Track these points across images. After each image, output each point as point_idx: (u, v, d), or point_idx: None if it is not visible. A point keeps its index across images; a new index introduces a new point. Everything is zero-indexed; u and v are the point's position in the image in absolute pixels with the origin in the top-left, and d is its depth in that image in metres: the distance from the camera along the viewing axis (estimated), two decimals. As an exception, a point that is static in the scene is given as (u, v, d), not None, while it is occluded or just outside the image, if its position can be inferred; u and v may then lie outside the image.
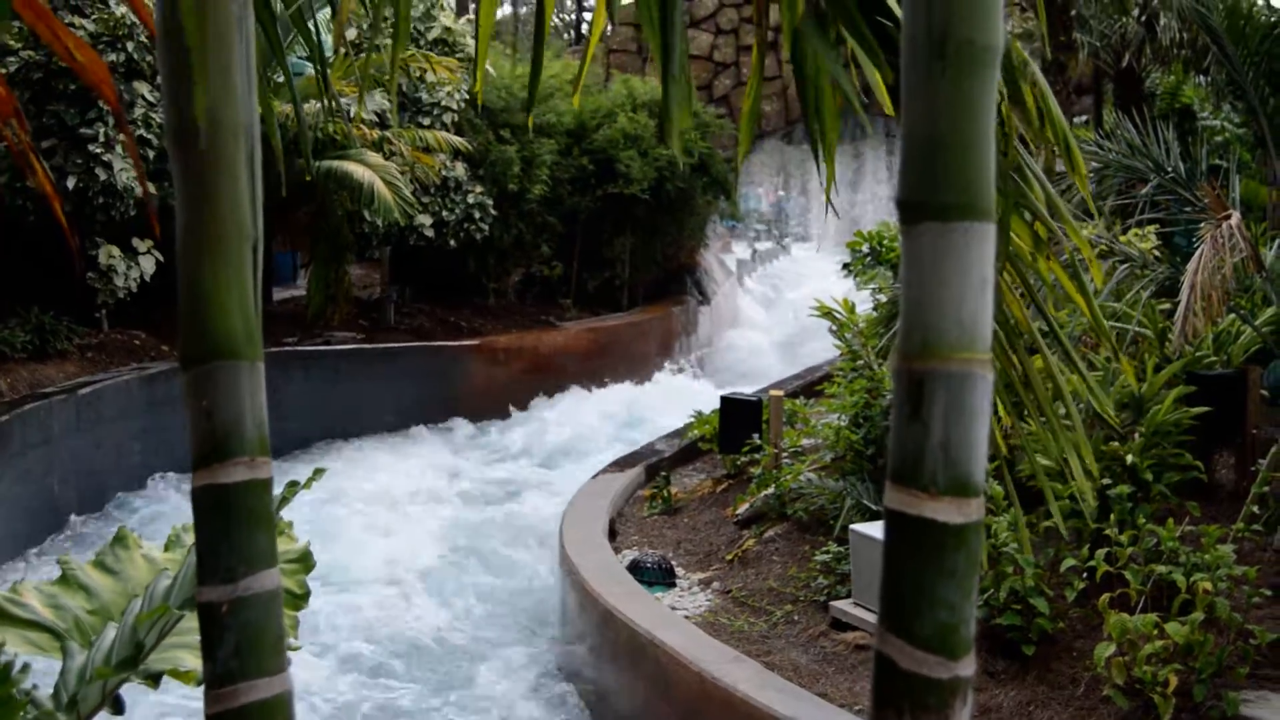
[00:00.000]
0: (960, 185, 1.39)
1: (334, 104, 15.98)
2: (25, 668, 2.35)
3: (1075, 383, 3.03)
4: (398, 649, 10.47)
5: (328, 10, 14.15)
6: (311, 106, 16.73)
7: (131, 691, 2.52)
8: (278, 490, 2.18)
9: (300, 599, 2.87)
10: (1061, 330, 2.93)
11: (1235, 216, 8.31)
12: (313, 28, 2.94)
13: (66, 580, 2.84)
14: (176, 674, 2.46)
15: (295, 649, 2.72)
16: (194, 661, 2.44)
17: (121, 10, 14.72)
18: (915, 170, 1.42)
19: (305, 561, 2.94)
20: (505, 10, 52.36)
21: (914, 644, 1.41)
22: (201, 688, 1.78)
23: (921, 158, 1.41)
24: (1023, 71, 2.51)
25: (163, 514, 13.71)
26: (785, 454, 11.51)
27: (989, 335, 1.42)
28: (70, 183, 14.62)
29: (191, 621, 2.39)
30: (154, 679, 2.43)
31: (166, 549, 3.06)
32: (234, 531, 1.73)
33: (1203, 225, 8.51)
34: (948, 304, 1.40)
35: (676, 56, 2.32)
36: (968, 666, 1.41)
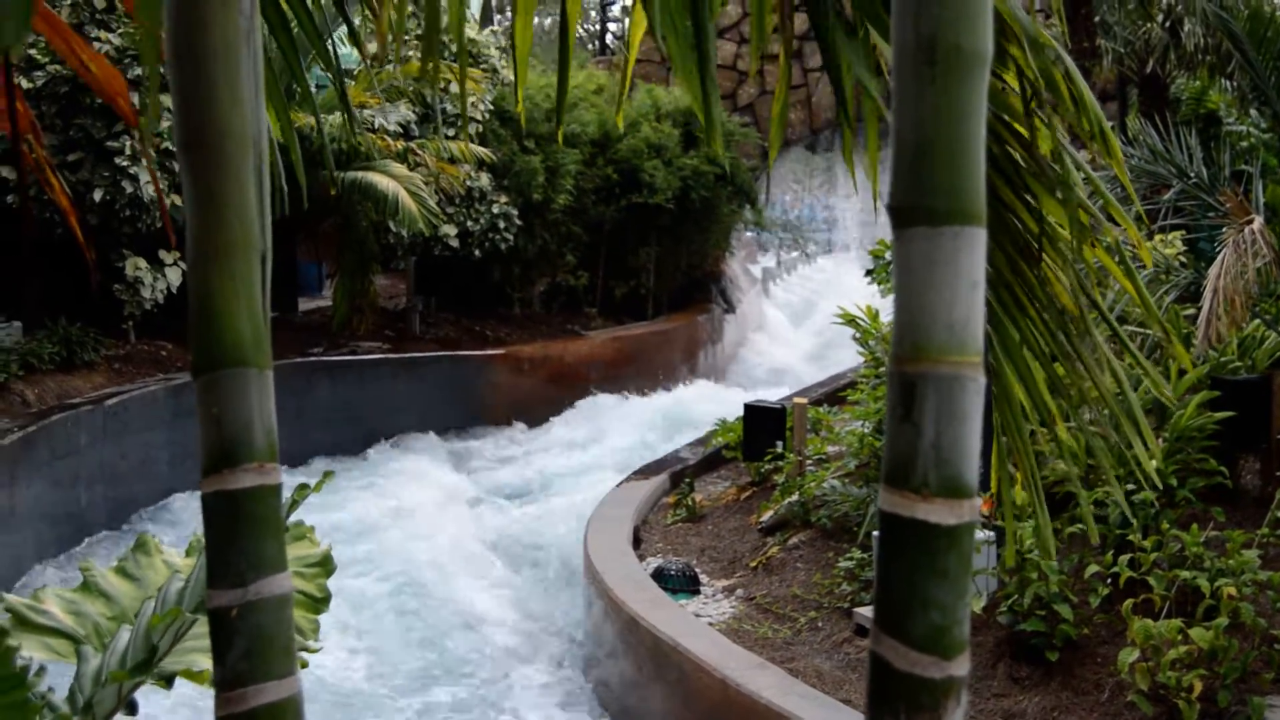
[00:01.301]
0: (950, 189, 1.41)
1: (353, 117, 16.04)
2: (41, 671, 2.38)
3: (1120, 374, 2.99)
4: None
5: (344, 28, 14.22)
6: (335, 118, 16.81)
7: (144, 691, 2.55)
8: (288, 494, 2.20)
9: (321, 602, 2.89)
10: (1111, 316, 2.92)
11: (1258, 221, 8.28)
12: (334, 38, 2.97)
13: (87, 586, 2.87)
14: (190, 675, 2.48)
15: (315, 650, 2.75)
16: (208, 663, 2.47)
17: (148, 24, 14.80)
18: (906, 175, 1.44)
19: (326, 565, 2.96)
20: (533, 20, 52.33)
21: (908, 645, 1.42)
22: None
23: (912, 162, 1.43)
24: (1056, 62, 2.51)
25: (188, 521, 13.78)
26: (809, 461, 11.51)
27: (980, 338, 1.43)
28: (97, 195, 14.73)
29: (204, 625, 2.42)
30: (168, 680, 2.45)
31: (188, 554, 3.09)
32: (243, 536, 1.75)
33: (1225, 230, 8.48)
34: (938, 307, 1.41)
35: (712, 61, 2.33)
36: (961, 666, 1.43)
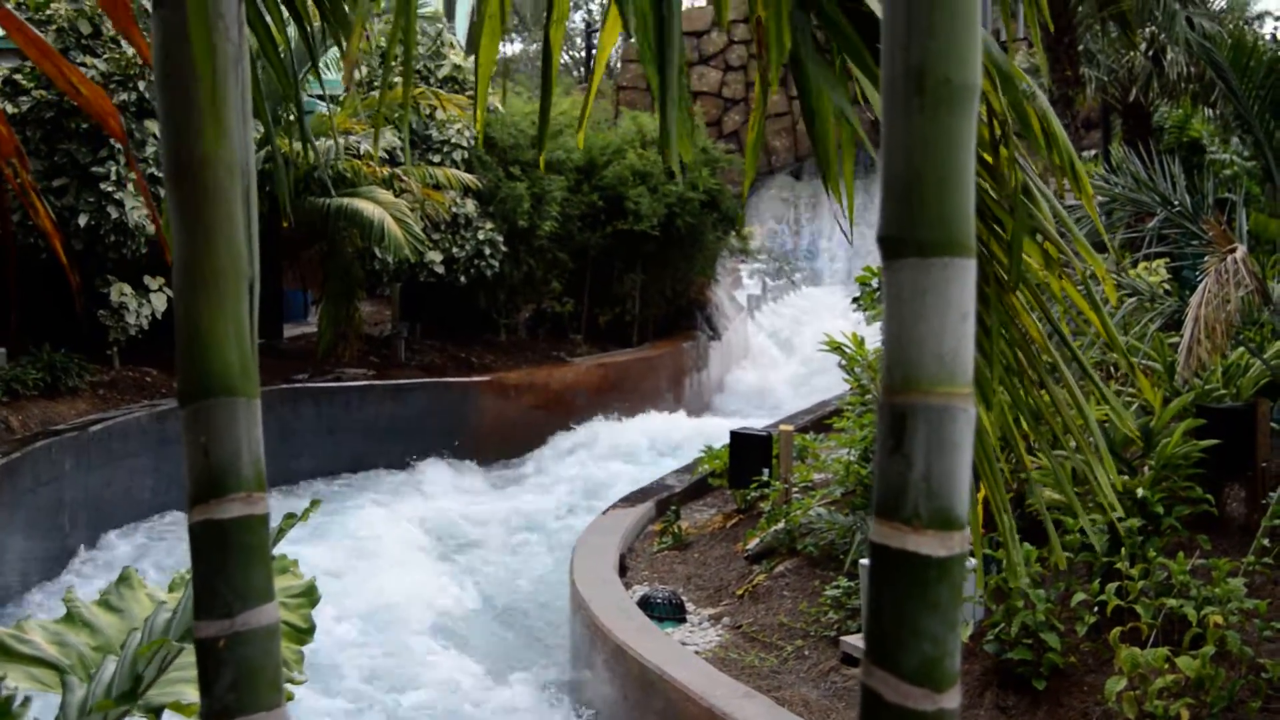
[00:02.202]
0: (939, 221, 1.41)
1: (344, 143, 16.08)
2: (26, 701, 2.36)
3: (1093, 408, 3.01)
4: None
5: (334, 51, 14.26)
6: (321, 144, 16.82)
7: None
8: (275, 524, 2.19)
9: (305, 633, 2.88)
10: (1079, 351, 2.93)
11: (1240, 250, 8.31)
12: (322, 66, 2.97)
13: (71, 617, 2.86)
14: (178, 707, 2.47)
15: (300, 683, 2.73)
16: (195, 694, 2.45)
17: (133, 50, 14.83)
18: (895, 206, 1.44)
19: (310, 596, 2.95)
20: (516, 48, 52.63)
21: (899, 677, 1.41)
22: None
23: (901, 194, 1.43)
24: (1029, 98, 2.52)
25: (172, 551, 13.70)
26: (795, 489, 11.50)
27: (970, 369, 1.43)
28: (82, 220, 14.71)
29: (192, 655, 2.40)
30: (155, 713, 2.44)
31: (171, 589, 3.08)
32: (231, 567, 1.75)
33: (1207, 258, 8.51)
34: (928, 339, 1.41)
35: (675, 80, 2.33)
36: (953, 699, 1.42)
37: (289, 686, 2.47)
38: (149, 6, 1.85)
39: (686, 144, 2.72)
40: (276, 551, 2.80)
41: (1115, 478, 3.03)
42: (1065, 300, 2.94)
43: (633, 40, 2.40)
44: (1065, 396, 2.91)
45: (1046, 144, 2.64)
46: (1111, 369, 9.82)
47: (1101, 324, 2.91)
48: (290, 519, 2.73)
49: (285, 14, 2.67)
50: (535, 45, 48.67)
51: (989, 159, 2.60)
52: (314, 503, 2.83)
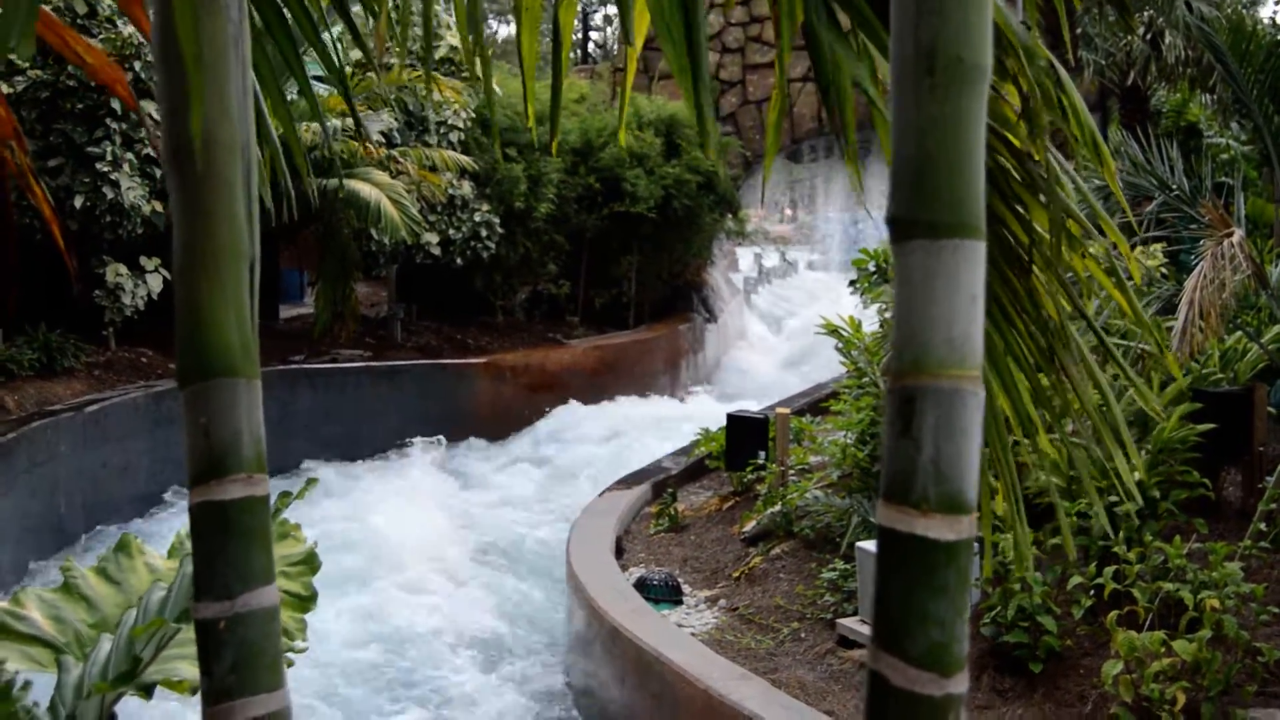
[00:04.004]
0: (950, 203, 1.40)
1: (355, 122, 16.03)
2: (26, 685, 2.35)
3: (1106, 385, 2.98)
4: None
5: (336, 29, 14.24)
6: (316, 126, 16.76)
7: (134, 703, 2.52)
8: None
9: (307, 600, 2.87)
10: (1097, 328, 2.91)
11: (1238, 233, 8.30)
12: (334, 39, 2.94)
13: (68, 588, 2.84)
14: (170, 684, 2.46)
15: (302, 650, 2.72)
16: (189, 670, 2.44)
17: (129, 30, 14.78)
18: (905, 187, 1.43)
19: (311, 563, 2.94)
20: (511, 30, 52.48)
21: (906, 661, 1.41)
22: (196, 696, 1.78)
23: (911, 175, 1.42)
24: (1048, 71, 2.51)
25: (170, 530, 13.68)
26: (792, 471, 11.50)
27: (980, 352, 1.42)
28: (78, 201, 14.66)
29: (189, 632, 2.39)
30: (148, 690, 2.43)
31: (170, 555, 3.07)
32: (231, 548, 1.74)
33: (1203, 242, 8.50)
34: (938, 321, 1.40)
35: (704, 69, 2.32)
36: (960, 684, 1.41)
37: (290, 655, 2.46)
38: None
39: (714, 127, 2.70)
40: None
41: (1137, 459, 3.01)
42: (1090, 280, 2.92)
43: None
44: (1086, 373, 2.88)
45: (1065, 117, 2.62)
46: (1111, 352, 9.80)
47: (1127, 302, 2.90)
48: (285, 497, 2.72)
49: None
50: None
51: (1012, 138, 2.58)
52: (310, 481, 2.81)
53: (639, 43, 2.54)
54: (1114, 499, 7.66)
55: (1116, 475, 2.91)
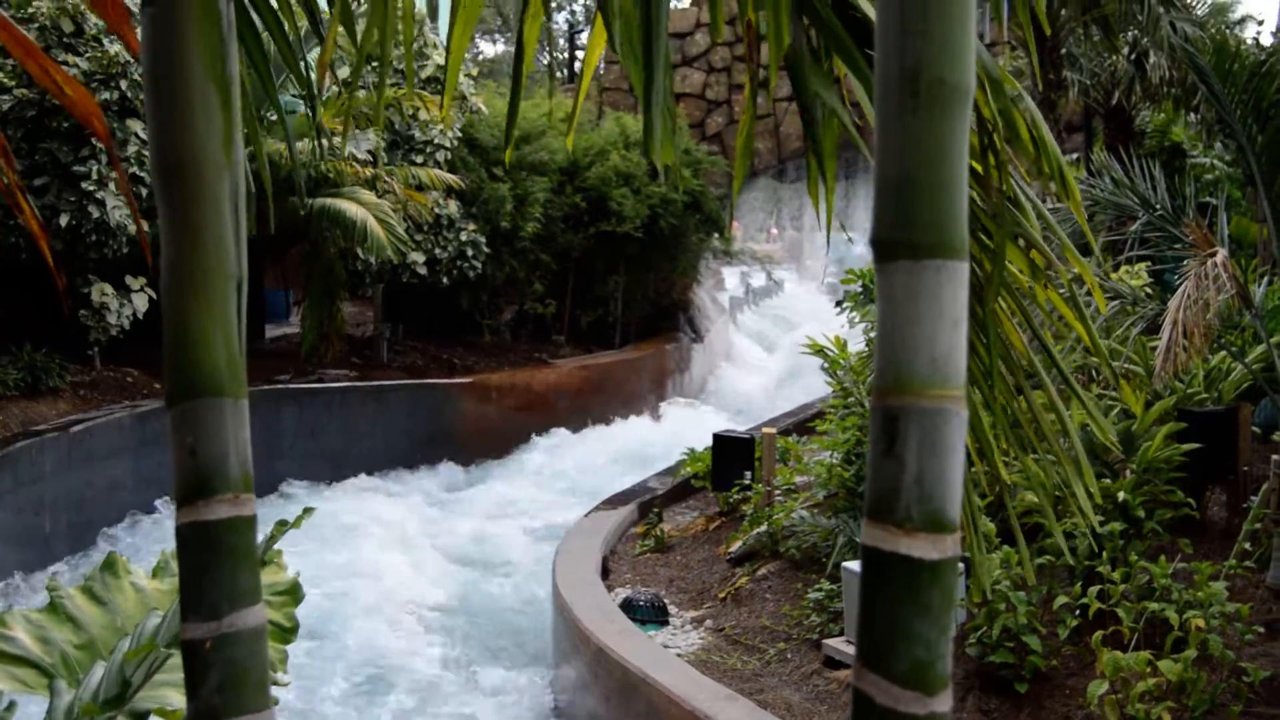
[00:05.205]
0: (932, 223, 1.41)
1: (329, 142, 16.04)
2: (11, 706, 2.35)
3: (1076, 413, 3.01)
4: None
5: (318, 50, 14.23)
6: (304, 145, 16.78)
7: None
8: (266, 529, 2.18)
9: (289, 632, 2.86)
10: (1059, 358, 2.92)
11: (1221, 253, 8.33)
12: (307, 61, 2.95)
13: (55, 609, 2.83)
14: (163, 713, 2.45)
15: (284, 685, 2.70)
16: (181, 699, 2.43)
17: (115, 49, 14.78)
18: (888, 208, 1.44)
19: (294, 594, 2.92)
20: (499, 48, 52.68)
21: (891, 680, 1.41)
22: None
23: (894, 196, 1.43)
24: (1017, 103, 2.52)
25: (154, 551, 13.61)
26: (778, 491, 11.51)
27: (963, 372, 1.42)
28: (63, 220, 14.64)
29: (179, 659, 2.38)
30: (140, 717, 2.42)
31: (154, 575, 3.05)
32: (217, 568, 1.74)
33: (1187, 262, 8.53)
34: (921, 341, 1.41)
35: (660, 81, 2.33)
36: (944, 702, 1.42)
37: (273, 689, 2.45)
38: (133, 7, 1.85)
39: (670, 145, 2.71)
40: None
41: (1095, 488, 3.02)
42: (1049, 308, 2.94)
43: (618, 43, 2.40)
44: (1044, 403, 2.90)
45: (1035, 150, 2.63)
46: (1094, 373, 9.84)
47: (1086, 332, 2.91)
48: (282, 526, 2.71)
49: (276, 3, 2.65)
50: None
51: (976, 166, 2.60)
52: (306, 510, 2.81)
53: (595, 54, 2.55)
54: (1100, 519, 7.68)
55: (1095, 500, 2.92)
